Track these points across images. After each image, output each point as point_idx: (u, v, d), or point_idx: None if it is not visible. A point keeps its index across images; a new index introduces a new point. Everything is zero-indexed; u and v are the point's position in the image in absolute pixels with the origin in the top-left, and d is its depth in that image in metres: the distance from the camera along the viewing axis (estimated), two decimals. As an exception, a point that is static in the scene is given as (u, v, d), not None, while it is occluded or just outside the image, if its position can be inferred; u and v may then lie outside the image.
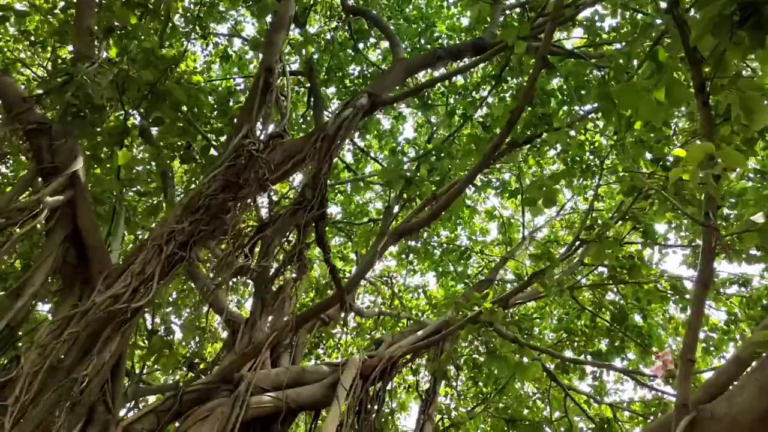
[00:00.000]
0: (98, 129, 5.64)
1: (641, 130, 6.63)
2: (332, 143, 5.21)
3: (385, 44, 11.32)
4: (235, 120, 5.72)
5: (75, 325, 3.87)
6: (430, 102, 9.57)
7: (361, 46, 10.63)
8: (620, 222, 7.86)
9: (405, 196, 10.15)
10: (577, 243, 7.83)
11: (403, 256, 12.35)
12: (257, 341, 5.83)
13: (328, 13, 10.79)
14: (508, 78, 8.59)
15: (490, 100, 9.33)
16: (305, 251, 5.02)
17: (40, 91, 5.55)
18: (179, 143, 5.74)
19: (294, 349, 6.90)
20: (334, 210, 11.77)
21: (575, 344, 10.91)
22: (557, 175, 5.82)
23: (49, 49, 9.91)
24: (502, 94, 9.60)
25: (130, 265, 4.31)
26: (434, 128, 10.64)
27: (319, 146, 5.16)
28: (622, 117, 5.89)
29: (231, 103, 7.98)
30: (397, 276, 12.67)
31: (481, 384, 11.19)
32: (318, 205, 4.86)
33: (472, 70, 9.61)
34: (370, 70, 10.67)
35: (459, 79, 11.00)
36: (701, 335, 10.92)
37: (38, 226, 5.16)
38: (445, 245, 11.49)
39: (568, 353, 10.82)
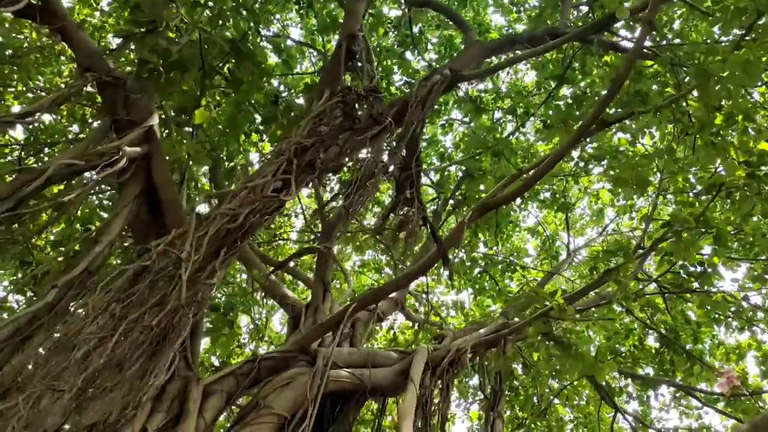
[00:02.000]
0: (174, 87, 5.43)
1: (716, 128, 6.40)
2: (424, 104, 5.00)
3: (432, 56, 11.23)
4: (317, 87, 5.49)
5: (228, 202, 3.58)
6: (482, 106, 9.37)
7: (408, 53, 10.52)
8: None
9: (450, 203, 9.88)
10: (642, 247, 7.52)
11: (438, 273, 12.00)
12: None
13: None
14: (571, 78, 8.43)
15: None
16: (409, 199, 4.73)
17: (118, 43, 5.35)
18: (261, 101, 5.51)
19: (352, 339, 6.57)
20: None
21: (621, 367, 10.48)
22: (651, 155, 5.56)
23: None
24: (557, 102, 9.43)
25: (267, 165, 4.04)
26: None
27: (412, 107, 4.95)
28: (717, 93, 5.66)
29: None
30: (431, 293, 12.30)
31: (517, 408, 10.75)
32: (414, 164, 4.62)
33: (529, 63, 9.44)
34: (415, 77, 10.54)
35: (507, 92, 10.86)
36: (755, 361, 10.52)
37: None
38: (486, 260, 11.11)
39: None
